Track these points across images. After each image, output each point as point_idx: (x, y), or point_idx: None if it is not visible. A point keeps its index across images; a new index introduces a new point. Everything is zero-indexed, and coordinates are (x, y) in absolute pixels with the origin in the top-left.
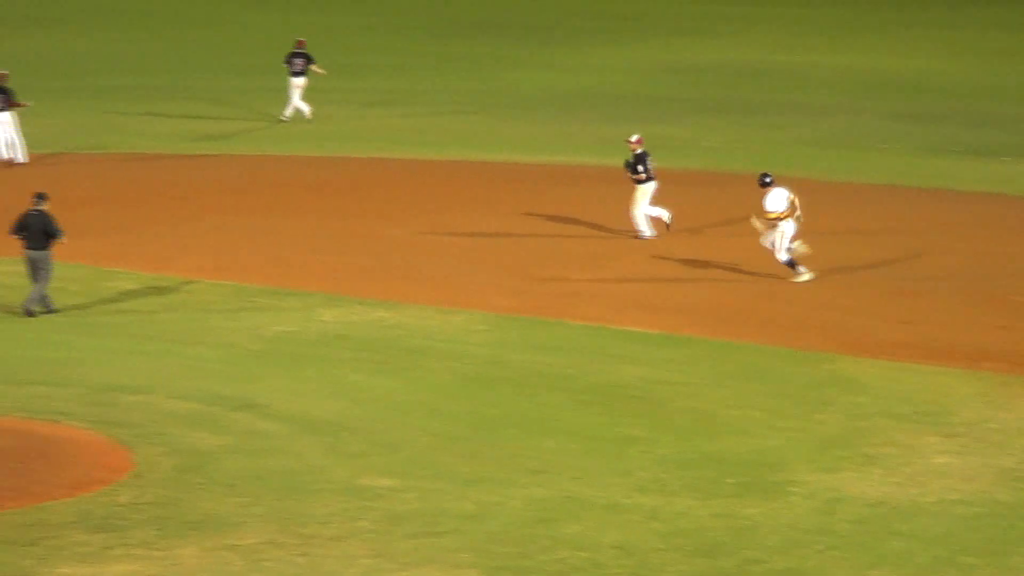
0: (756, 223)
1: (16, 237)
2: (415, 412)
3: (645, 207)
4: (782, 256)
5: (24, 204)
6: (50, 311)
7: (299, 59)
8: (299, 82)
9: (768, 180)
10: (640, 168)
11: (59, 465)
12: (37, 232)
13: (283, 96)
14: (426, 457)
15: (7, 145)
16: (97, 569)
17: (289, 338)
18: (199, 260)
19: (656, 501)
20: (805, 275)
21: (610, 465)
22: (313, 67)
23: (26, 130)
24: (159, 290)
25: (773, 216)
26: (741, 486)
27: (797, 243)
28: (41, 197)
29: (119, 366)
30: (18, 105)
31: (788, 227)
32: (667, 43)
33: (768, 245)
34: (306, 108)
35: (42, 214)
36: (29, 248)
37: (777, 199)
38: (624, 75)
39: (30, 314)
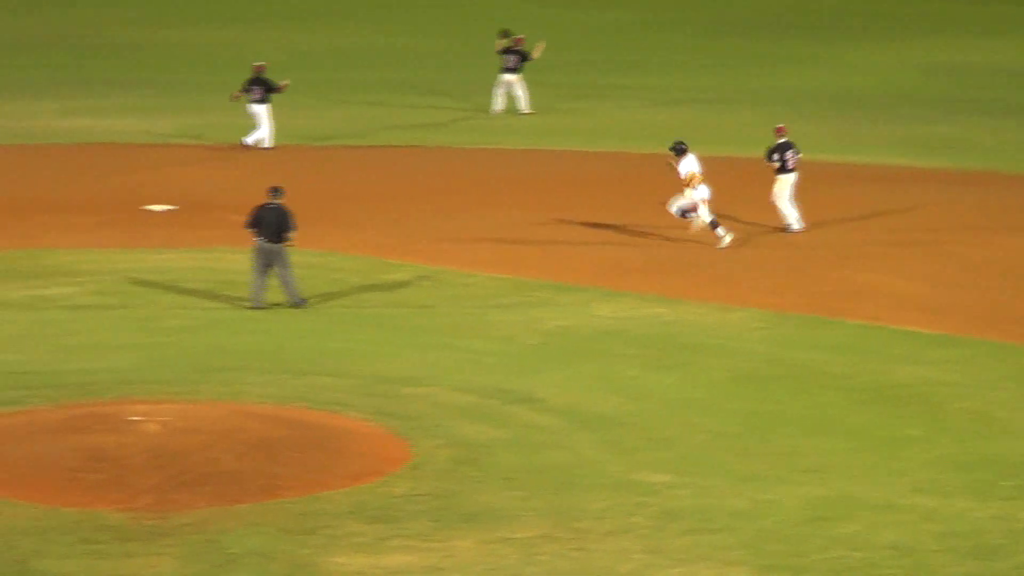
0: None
1: (251, 231)
2: (690, 408)
3: (784, 199)
4: (707, 218)
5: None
6: (298, 304)
7: (514, 55)
8: (510, 78)
9: (683, 148)
10: (776, 156)
11: (338, 455)
12: (272, 226)
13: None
14: (701, 453)
15: (260, 135)
16: (373, 559)
17: (566, 332)
18: (476, 254)
19: (932, 502)
20: (727, 237)
21: (886, 465)
22: (533, 54)
23: (283, 123)
24: (438, 283)
25: (687, 179)
26: (1019, 488)
27: (695, 216)
28: (277, 191)
29: (398, 358)
30: (277, 89)
31: (701, 192)
32: (935, 43)
33: (674, 211)
34: (523, 102)
35: (279, 208)
36: (264, 241)
37: (689, 165)
38: (890, 74)
39: (298, 304)
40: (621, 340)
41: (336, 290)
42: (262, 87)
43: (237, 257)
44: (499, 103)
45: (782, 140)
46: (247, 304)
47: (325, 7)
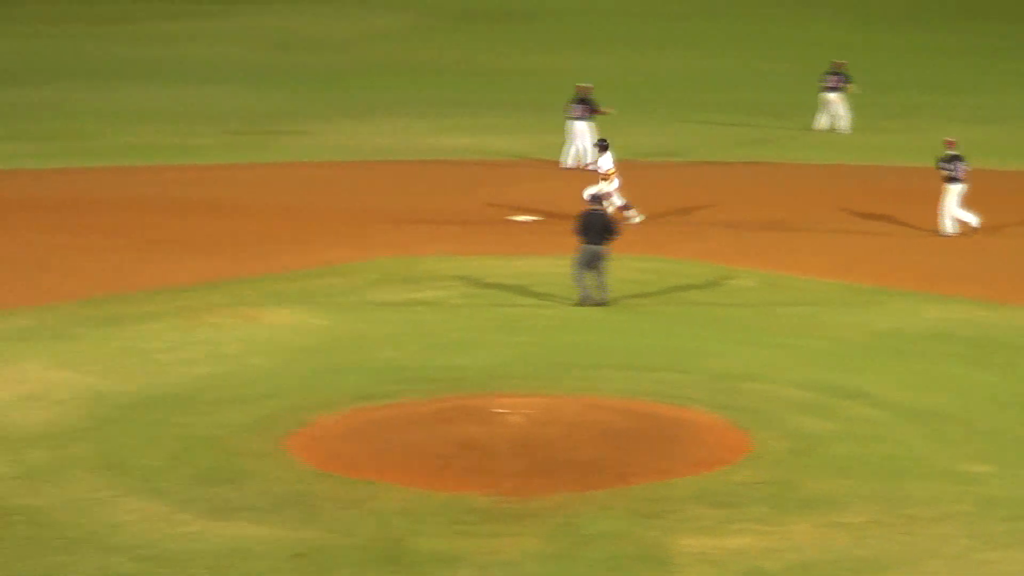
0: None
1: (580, 236)
2: (1012, 404)
3: (951, 207)
4: (618, 202)
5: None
6: (602, 303)
7: (834, 76)
8: (833, 97)
9: (605, 144)
10: (947, 166)
11: (683, 445)
12: (597, 229)
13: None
14: (1021, 446)
15: (578, 153)
16: (717, 541)
17: (894, 333)
18: (811, 261)
19: None
20: (637, 217)
21: None
22: (849, 86)
23: (634, 140)
24: (776, 287)
25: (607, 173)
26: None
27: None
28: (596, 198)
29: (739, 355)
30: (600, 112)
31: (614, 183)
32: None
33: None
34: (844, 123)
35: (602, 214)
36: (589, 243)
37: (609, 160)
38: None
39: (602, 303)
40: (946, 340)
41: (683, 293)
42: (584, 106)
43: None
44: (822, 120)
45: (952, 153)
46: (574, 302)
47: (675, 34)
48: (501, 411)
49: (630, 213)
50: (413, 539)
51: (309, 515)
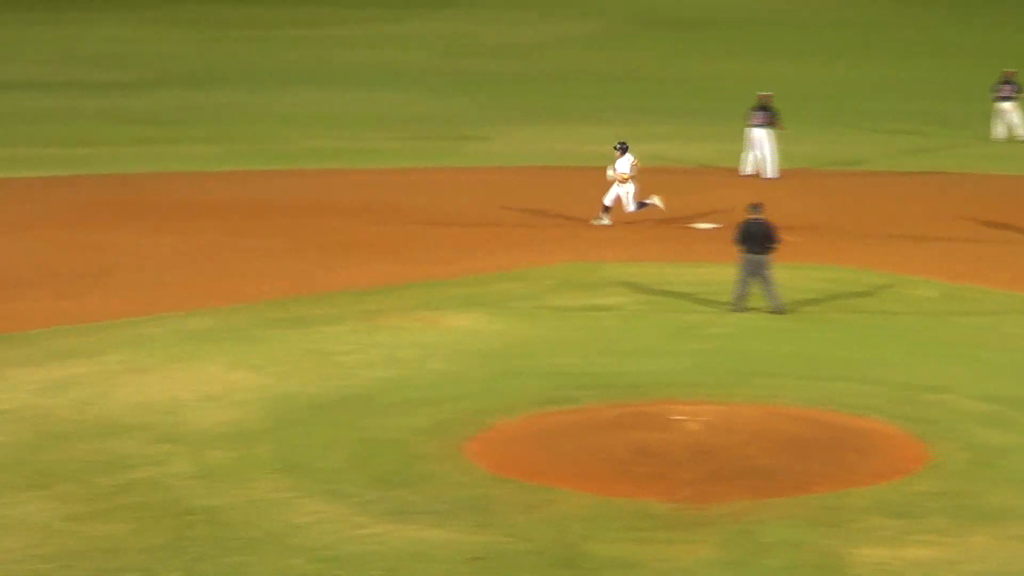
0: (610, 174)
1: (740, 246)
2: None
3: None
4: (631, 208)
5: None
6: (780, 311)
7: (1007, 86)
8: (1007, 106)
9: (624, 147)
10: None
11: (862, 455)
12: (759, 238)
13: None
14: None
15: (756, 160)
16: (894, 552)
17: None
18: (993, 272)
19: None
20: (657, 200)
21: None
22: (1021, 95)
23: (811, 149)
24: (955, 297)
25: (622, 176)
26: None
27: (655, 198)
28: (757, 207)
29: (918, 366)
30: (776, 125)
31: (630, 186)
32: None
33: (610, 200)
34: (1021, 131)
35: (763, 222)
36: (751, 253)
37: (625, 163)
38: None
39: (778, 311)
40: None
41: (860, 302)
42: (764, 114)
43: (775, 272)
44: (998, 130)
45: None
46: (729, 307)
47: (852, 43)
48: (679, 418)
49: (651, 200)
50: (590, 545)
51: (486, 519)
